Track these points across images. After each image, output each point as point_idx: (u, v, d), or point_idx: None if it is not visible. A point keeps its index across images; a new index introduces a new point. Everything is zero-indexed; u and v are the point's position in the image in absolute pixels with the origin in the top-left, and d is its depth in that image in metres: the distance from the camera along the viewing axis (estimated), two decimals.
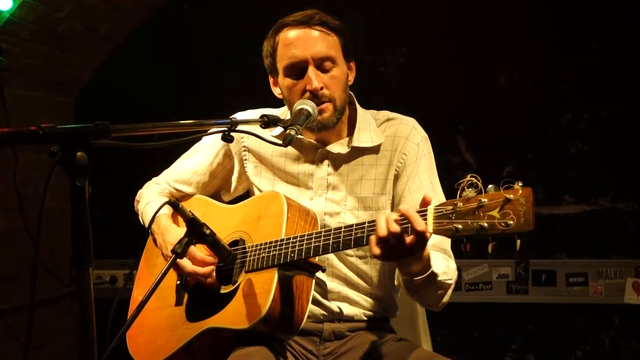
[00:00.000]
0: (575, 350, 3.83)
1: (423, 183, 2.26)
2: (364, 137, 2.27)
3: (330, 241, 2.00)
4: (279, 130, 2.28)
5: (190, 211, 1.91)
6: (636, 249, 3.74)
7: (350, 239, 1.95)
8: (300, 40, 2.19)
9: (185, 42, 4.20)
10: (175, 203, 1.97)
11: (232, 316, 2.09)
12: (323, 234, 2.02)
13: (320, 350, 2.25)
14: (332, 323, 2.27)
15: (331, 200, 2.29)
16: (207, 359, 2.23)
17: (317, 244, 2.02)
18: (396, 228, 1.78)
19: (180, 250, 1.86)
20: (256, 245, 2.14)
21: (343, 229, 1.98)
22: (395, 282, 2.29)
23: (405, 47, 4.00)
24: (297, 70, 2.20)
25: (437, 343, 2.55)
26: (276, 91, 2.33)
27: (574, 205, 3.81)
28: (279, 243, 2.09)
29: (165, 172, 2.56)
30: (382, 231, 1.80)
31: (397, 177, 2.28)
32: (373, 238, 1.84)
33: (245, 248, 2.19)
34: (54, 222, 3.79)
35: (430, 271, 1.97)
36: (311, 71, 2.17)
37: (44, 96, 4.02)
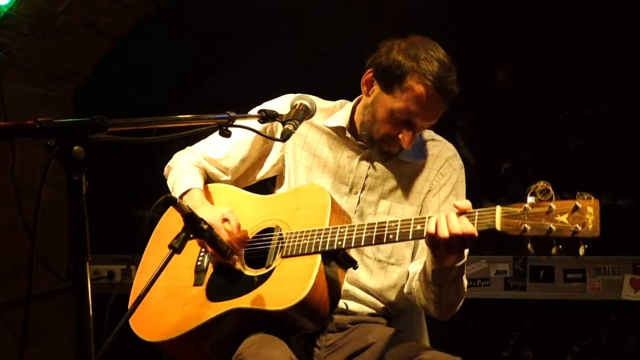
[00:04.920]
0: (573, 347, 3.84)
1: (452, 206, 2.31)
2: (409, 151, 2.33)
3: (385, 232, 2.02)
4: (334, 119, 2.35)
5: (187, 206, 1.90)
6: (634, 246, 3.74)
7: (408, 231, 1.99)
8: (425, 108, 2.17)
9: (185, 36, 4.19)
10: (174, 198, 1.93)
11: (265, 298, 2.07)
12: (377, 225, 2.04)
13: (322, 341, 2.27)
14: (336, 315, 2.29)
15: (364, 200, 2.34)
16: (220, 341, 2.19)
17: (369, 234, 2.04)
18: (457, 230, 1.90)
19: (178, 245, 1.85)
20: (296, 232, 2.15)
21: (400, 222, 2.01)
22: (406, 290, 2.34)
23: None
24: (403, 119, 2.20)
25: (435, 339, 2.55)
26: (367, 92, 2.29)
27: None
28: (323, 231, 2.10)
29: (201, 143, 2.51)
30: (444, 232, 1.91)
31: (429, 193, 2.36)
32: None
33: (281, 234, 2.19)
34: (52, 217, 3.79)
35: (463, 261, 2.07)
36: (410, 135, 2.21)
37: (42, 91, 4.01)
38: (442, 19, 3.94)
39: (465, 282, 2.22)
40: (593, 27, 3.78)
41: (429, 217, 1.97)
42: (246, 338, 2.10)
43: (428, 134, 2.42)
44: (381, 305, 2.37)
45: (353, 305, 2.33)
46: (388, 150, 2.29)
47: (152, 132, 1.72)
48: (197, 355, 2.25)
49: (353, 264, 2.13)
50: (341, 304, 2.28)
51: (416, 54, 2.16)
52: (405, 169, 2.36)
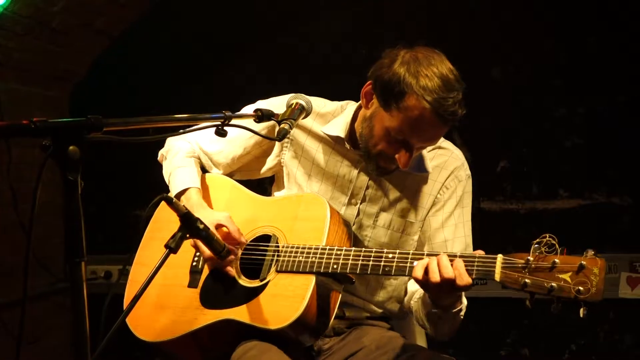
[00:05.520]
0: (570, 345, 3.84)
1: (457, 220, 2.29)
2: (413, 162, 2.23)
3: (382, 263, 1.99)
4: (333, 126, 2.28)
5: (183, 206, 1.89)
6: (630, 244, 3.74)
7: (405, 266, 1.96)
8: (422, 131, 2.05)
9: (182, 36, 4.19)
10: (170, 198, 1.93)
11: (258, 314, 2.06)
12: (374, 253, 2.02)
13: (319, 345, 2.27)
14: (333, 319, 2.27)
15: (364, 212, 2.29)
16: (208, 346, 2.20)
17: (365, 262, 2.01)
18: (450, 275, 1.86)
19: (174, 245, 1.85)
20: (292, 247, 2.12)
21: (397, 254, 1.98)
22: (405, 305, 2.34)
23: (402, 41, 3.99)
24: (400, 139, 2.10)
25: (432, 338, 2.55)
26: (366, 104, 2.19)
27: (568, 199, 3.82)
28: (319, 251, 2.07)
29: (197, 132, 2.39)
30: (436, 276, 1.88)
31: (433, 207, 2.29)
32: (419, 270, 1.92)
33: (278, 246, 2.16)
34: (48, 217, 3.79)
35: (459, 308, 2.06)
36: (406, 156, 2.10)
37: (38, 91, 4.01)
38: (440, 18, 3.94)
39: (463, 308, 2.16)
40: (589, 26, 3.78)
41: (426, 255, 1.94)
42: (240, 343, 2.10)
43: None
44: (379, 311, 2.36)
45: (350, 312, 2.32)
46: (385, 166, 2.19)
47: (148, 132, 1.72)
48: (192, 355, 2.25)
49: (350, 281, 2.12)
50: (339, 311, 2.26)
51: (417, 70, 2.02)
52: (408, 180, 2.28)
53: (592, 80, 3.78)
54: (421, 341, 2.52)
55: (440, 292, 1.92)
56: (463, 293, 2.09)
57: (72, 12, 3.71)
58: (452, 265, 1.87)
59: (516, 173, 3.90)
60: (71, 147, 1.38)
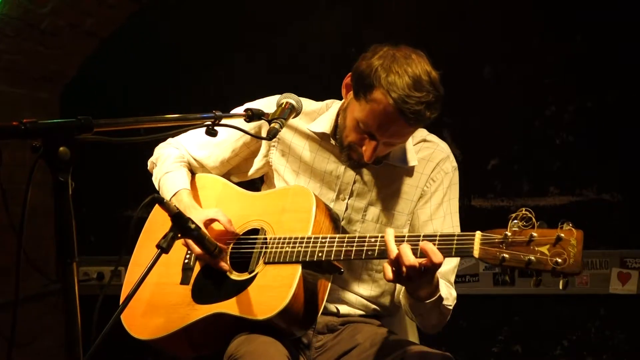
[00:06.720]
0: (562, 341, 3.86)
1: (445, 212, 2.29)
2: (398, 155, 2.25)
3: (365, 248, 1.99)
4: (318, 123, 2.29)
5: (175, 206, 1.90)
6: (621, 239, 3.77)
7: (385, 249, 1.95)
8: (384, 126, 2.06)
9: (171, 36, 4.18)
10: (161, 198, 1.93)
11: (246, 305, 2.08)
12: (357, 239, 2.02)
13: (313, 342, 2.27)
14: (327, 316, 2.29)
15: (352, 207, 2.30)
16: (201, 342, 2.21)
17: (349, 248, 2.02)
18: (414, 262, 1.85)
19: (166, 245, 1.86)
20: (278, 238, 2.13)
21: (380, 238, 1.98)
22: (396, 300, 2.34)
23: (392, 40, 3.99)
24: (366, 132, 2.11)
25: (424, 335, 2.56)
26: (345, 94, 2.23)
27: (559, 196, 3.84)
28: (305, 240, 2.08)
29: (184, 137, 2.43)
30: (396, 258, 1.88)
31: (421, 200, 2.29)
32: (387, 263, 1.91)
33: (265, 239, 2.17)
34: (40, 218, 3.77)
35: (437, 295, 2.02)
36: (370, 148, 2.11)
37: (28, 92, 3.99)
38: (430, 16, 3.95)
39: (450, 299, 2.17)
40: (578, 24, 3.79)
41: (407, 236, 1.93)
42: (234, 336, 2.11)
43: (420, 134, 2.32)
44: (372, 307, 2.36)
45: (344, 309, 2.33)
46: (356, 159, 2.21)
47: (139, 132, 1.72)
48: (185, 351, 2.27)
49: (338, 271, 2.12)
50: (332, 307, 2.29)
51: (390, 66, 2.04)
52: (395, 174, 2.29)
53: (581, 77, 3.80)
54: (413, 338, 2.52)
55: (401, 280, 1.92)
56: (441, 285, 2.07)
57: (61, 13, 3.70)
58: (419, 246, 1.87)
59: (507, 170, 3.91)
60: (61, 148, 1.38)
